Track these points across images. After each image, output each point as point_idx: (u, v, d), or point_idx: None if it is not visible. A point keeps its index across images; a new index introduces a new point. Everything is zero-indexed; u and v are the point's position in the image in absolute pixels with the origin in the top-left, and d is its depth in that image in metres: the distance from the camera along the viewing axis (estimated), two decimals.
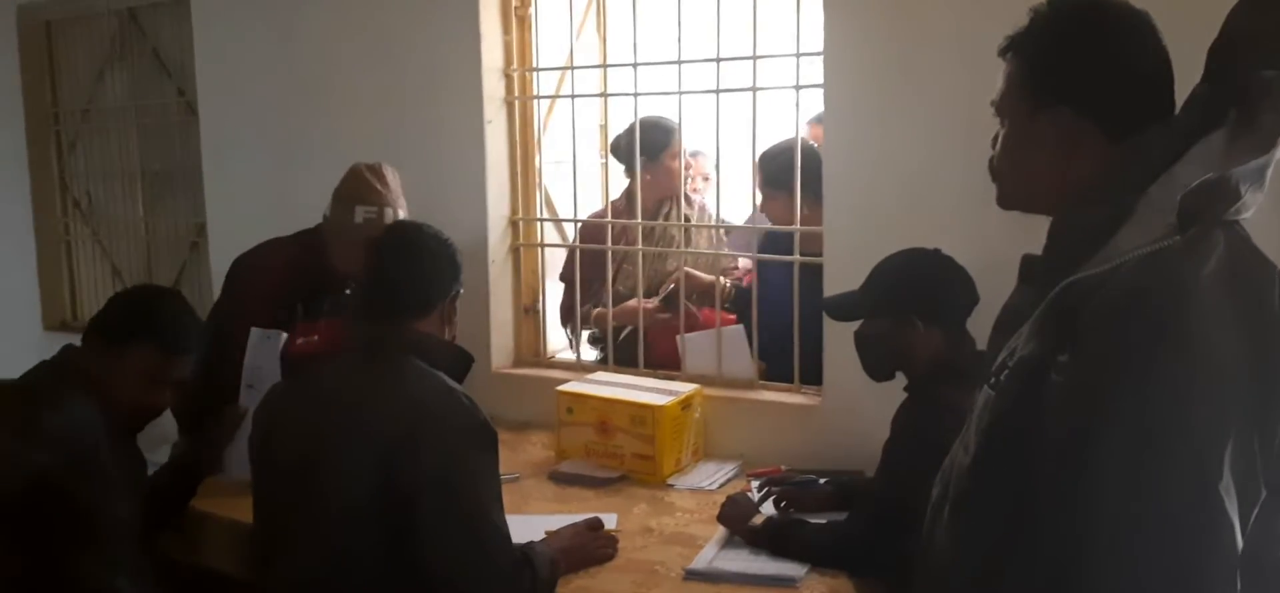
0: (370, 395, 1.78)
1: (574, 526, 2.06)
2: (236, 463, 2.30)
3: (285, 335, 2.40)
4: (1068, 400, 1.05)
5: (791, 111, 2.68)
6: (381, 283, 1.88)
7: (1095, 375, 1.04)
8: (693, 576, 1.92)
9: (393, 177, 2.58)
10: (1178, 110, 1.19)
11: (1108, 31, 1.18)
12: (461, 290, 1.96)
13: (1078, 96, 1.17)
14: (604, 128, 3.38)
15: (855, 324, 2.08)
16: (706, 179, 3.52)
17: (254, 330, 2.41)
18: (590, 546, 2.01)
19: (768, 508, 2.16)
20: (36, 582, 1.87)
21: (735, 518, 2.08)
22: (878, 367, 2.02)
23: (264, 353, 2.38)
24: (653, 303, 2.98)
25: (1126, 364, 1.02)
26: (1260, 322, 1.05)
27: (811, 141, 2.94)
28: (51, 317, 4.23)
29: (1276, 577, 1.09)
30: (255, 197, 3.42)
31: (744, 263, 3.08)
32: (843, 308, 2.06)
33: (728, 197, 3.11)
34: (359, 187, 2.53)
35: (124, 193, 4.07)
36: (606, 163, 3.38)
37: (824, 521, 2.07)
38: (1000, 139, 1.29)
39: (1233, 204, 1.05)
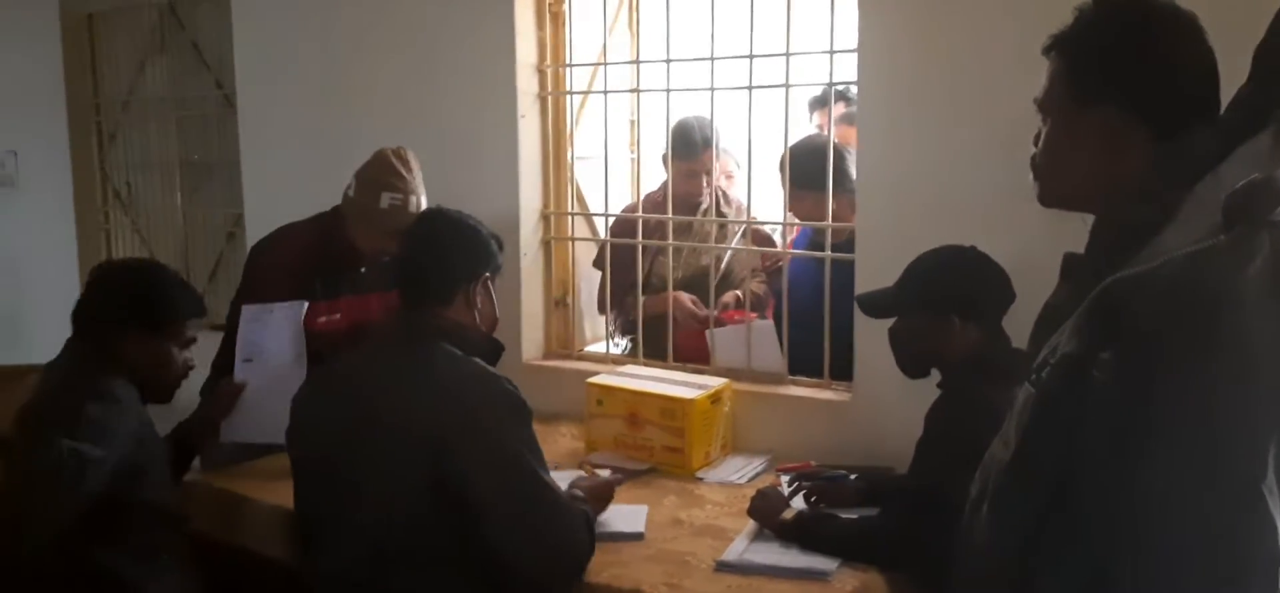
0: (412, 382, 1.81)
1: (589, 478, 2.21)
2: (235, 430, 2.40)
3: (279, 306, 2.45)
4: (1111, 398, 1.06)
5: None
6: (405, 270, 1.92)
7: (1139, 374, 1.04)
8: (724, 567, 1.94)
9: (415, 162, 2.62)
10: (1223, 111, 1.20)
11: (1155, 30, 1.19)
12: (490, 275, 1.97)
13: (1124, 95, 1.18)
14: (635, 123, 3.41)
15: (887, 321, 2.08)
16: (729, 177, 3.52)
17: (246, 308, 2.46)
18: (601, 487, 2.16)
19: (797, 503, 2.17)
20: (70, 575, 1.89)
21: (766, 512, 2.09)
22: (913, 363, 2.02)
23: (261, 327, 2.44)
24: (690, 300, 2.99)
25: (1171, 363, 1.03)
26: None
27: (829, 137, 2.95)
28: None
29: None
30: (293, 187, 3.45)
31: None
32: (878, 304, 2.06)
33: (760, 193, 3.11)
34: (385, 172, 2.56)
35: (163, 183, 4.14)
36: (637, 158, 3.40)
37: (854, 516, 2.08)
38: (1043, 136, 1.29)
39: (1277, 204, 1.05)
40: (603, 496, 2.14)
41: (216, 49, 3.84)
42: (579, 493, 2.03)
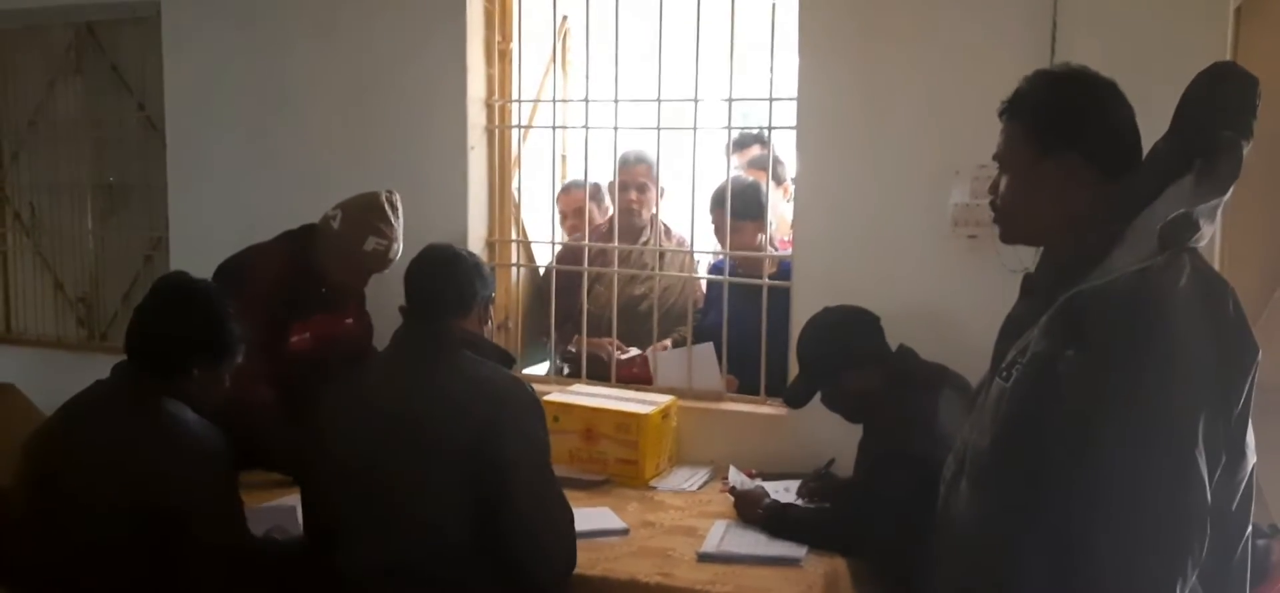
0: (448, 384, 1.94)
1: None
2: None
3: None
4: (1077, 387, 1.33)
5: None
6: (427, 288, 2.05)
7: (1099, 366, 1.32)
8: (706, 558, 2.15)
9: (401, 208, 2.75)
10: (1145, 159, 1.50)
11: (1100, 93, 1.48)
12: (491, 297, 2.16)
13: (1081, 144, 1.46)
14: (566, 159, 3.63)
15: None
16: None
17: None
18: None
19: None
20: None
21: (748, 505, 2.36)
22: (852, 415, 2.33)
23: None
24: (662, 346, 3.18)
25: (1124, 357, 1.31)
26: (1221, 324, 1.36)
27: (752, 177, 3.24)
28: None
29: (1233, 524, 1.40)
30: (222, 213, 3.47)
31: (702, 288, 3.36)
32: (797, 397, 2.37)
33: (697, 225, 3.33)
34: (376, 216, 2.68)
35: (72, 205, 4.04)
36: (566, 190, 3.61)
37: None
38: (1004, 185, 1.54)
39: (1196, 233, 1.35)
40: None
41: (139, 71, 3.80)
42: None
